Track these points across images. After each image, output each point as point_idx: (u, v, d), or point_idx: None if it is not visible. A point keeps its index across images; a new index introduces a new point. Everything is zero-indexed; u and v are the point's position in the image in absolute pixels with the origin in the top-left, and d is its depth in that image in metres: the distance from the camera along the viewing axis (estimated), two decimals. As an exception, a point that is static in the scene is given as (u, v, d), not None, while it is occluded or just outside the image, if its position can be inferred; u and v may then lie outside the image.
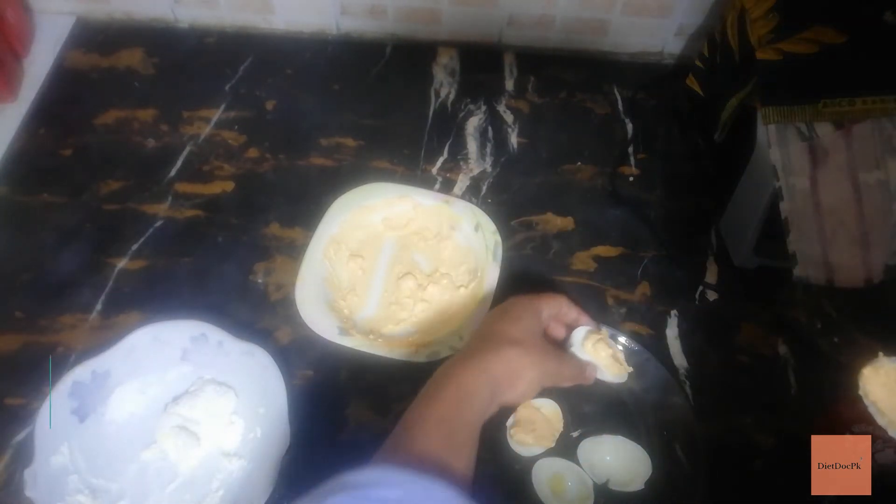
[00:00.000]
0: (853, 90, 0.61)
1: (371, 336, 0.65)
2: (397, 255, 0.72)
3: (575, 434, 0.63)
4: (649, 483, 0.60)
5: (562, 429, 0.62)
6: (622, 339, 0.66)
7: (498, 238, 0.70)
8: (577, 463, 0.61)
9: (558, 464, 0.61)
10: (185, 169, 0.78)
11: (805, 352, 0.68)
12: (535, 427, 0.61)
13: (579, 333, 0.61)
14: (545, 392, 0.64)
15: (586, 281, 0.72)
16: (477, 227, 0.71)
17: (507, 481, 0.60)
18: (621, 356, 0.62)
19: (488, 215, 0.72)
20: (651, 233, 0.75)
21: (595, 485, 0.60)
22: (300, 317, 0.64)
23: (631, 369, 0.62)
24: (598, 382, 0.60)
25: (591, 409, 0.64)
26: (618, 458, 0.61)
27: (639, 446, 0.61)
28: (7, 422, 0.61)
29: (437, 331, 0.66)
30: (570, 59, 0.90)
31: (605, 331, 0.63)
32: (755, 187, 0.68)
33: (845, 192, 0.63)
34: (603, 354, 0.60)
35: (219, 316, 0.64)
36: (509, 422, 0.62)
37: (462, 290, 0.69)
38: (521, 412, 0.62)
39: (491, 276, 0.68)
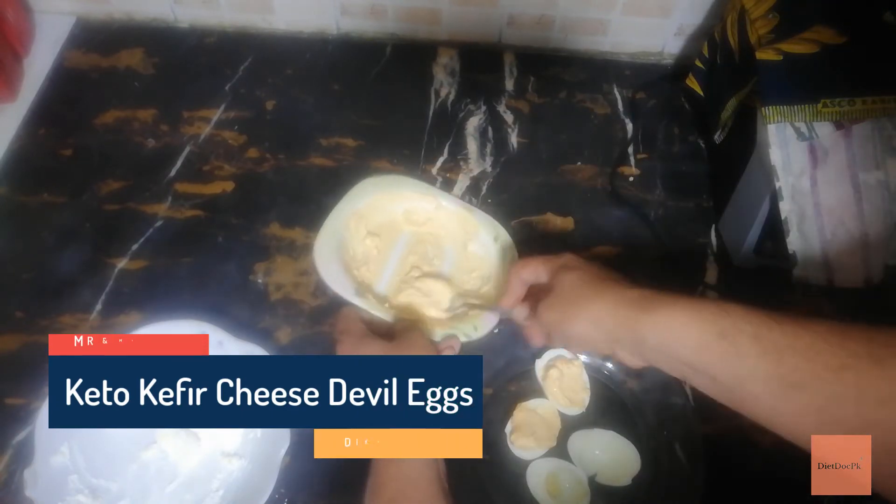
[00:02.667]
0: (853, 90, 0.61)
1: (386, 305, 0.63)
2: (412, 248, 0.71)
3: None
4: (637, 479, 0.60)
5: (560, 426, 0.62)
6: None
7: (515, 254, 0.67)
8: (568, 457, 0.61)
9: (552, 464, 0.61)
10: (185, 169, 0.78)
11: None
12: (534, 430, 0.61)
13: (546, 357, 0.64)
14: (537, 392, 0.64)
15: (586, 281, 0.72)
16: (496, 239, 0.69)
17: (504, 486, 0.60)
18: (583, 394, 0.64)
19: (488, 215, 0.71)
20: (651, 233, 0.75)
21: (591, 483, 0.60)
22: (317, 283, 0.64)
23: (583, 410, 0.63)
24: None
25: (590, 408, 0.64)
26: (608, 452, 0.61)
27: (629, 442, 0.62)
28: (7, 422, 0.61)
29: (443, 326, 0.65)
30: (570, 59, 0.90)
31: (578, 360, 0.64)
32: (755, 187, 0.68)
33: (845, 192, 0.63)
34: (555, 389, 0.63)
35: (219, 316, 0.64)
36: (507, 428, 0.62)
37: (472, 291, 0.68)
38: (518, 416, 0.62)
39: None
